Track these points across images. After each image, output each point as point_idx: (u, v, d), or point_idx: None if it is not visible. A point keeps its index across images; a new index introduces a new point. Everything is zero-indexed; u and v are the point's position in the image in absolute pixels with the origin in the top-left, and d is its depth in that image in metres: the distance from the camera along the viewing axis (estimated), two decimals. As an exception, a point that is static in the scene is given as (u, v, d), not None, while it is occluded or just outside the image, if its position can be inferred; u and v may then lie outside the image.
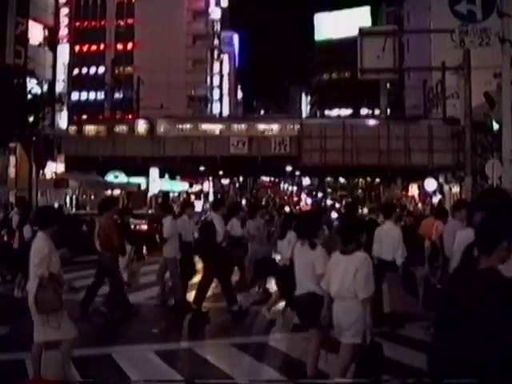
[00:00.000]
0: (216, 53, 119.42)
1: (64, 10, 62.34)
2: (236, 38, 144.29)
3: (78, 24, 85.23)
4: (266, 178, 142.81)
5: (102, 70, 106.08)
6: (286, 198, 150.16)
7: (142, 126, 61.82)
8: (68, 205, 51.79)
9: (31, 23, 54.85)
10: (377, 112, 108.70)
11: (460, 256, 5.79)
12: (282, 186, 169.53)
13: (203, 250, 15.86)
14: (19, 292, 16.83)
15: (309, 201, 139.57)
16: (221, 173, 78.58)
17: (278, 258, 17.53)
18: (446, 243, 12.49)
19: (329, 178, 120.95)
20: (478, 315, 4.22)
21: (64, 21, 62.16)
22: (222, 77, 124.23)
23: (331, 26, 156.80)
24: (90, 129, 62.68)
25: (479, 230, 4.68)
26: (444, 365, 4.45)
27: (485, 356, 4.13)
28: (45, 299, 8.54)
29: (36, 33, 56.46)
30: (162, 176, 65.91)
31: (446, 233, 12.90)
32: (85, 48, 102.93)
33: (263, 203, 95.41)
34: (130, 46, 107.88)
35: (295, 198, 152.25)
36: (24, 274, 15.06)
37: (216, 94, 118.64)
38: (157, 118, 62.29)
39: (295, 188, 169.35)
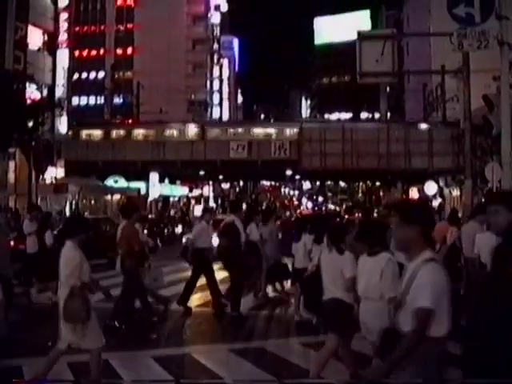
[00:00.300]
0: (216, 57, 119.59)
1: (63, 15, 62.45)
2: (236, 42, 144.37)
3: (77, 29, 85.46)
4: (266, 183, 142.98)
5: (101, 74, 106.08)
6: (286, 202, 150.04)
7: (192, 130, 62.12)
8: (68, 210, 51.73)
9: (30, 28, 54.88)
10: (377, 116, 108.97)
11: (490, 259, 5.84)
12: (283, 190, 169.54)
13: (227, 252, 15.82)
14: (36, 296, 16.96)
15: (309, 205, 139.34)
16: (221, 177, 78.62)
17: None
18: (465, 245, 13.33)
19: (329, 182, 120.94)
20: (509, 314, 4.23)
21: (63, 26, 62.27)
22: (221, 81, 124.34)
23: (331, 29, 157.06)
24: (138, 133, 62.76)
25: (509, 232, 4.68)
26: (476, 363, 4.47)
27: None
28: (73, 309, 8.64)
29: (35, 38, 56.48)
30: (161, 181, 65.91)
31: (464, 235, 13.64)
32: (84, 53, 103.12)
33: (263, 207, 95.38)
34: (129, 50, 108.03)
35: (296, 202, 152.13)
36: (47, 279, 15.12)
37: (216, 98, 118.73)
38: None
39: (296, 192, 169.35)
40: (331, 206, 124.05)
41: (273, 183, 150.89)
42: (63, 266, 8.93)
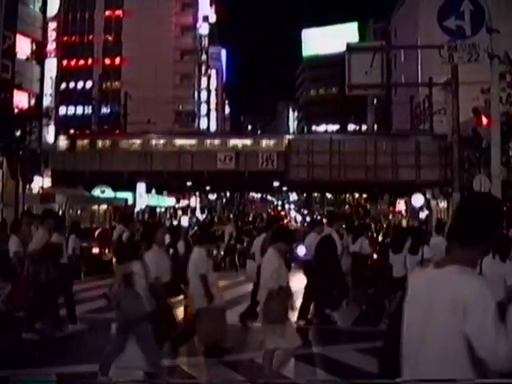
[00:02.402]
0: (204, 68, 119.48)
1: (52, 25, 62.12)
2: (224, 53, 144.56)
3: (65, 38, 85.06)
4: (257, 195, 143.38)
5: (89, 84, 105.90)
6: (271, 212, 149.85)
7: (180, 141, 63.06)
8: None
9: (19, 37, 54.62)
10: (364, 128, 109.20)
11: None
12: (275, 202, 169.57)
13: (325, 263, 16.16)
14: None
15: (299, 218, 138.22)
16: (208, 188, 78.52)
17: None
18: None
19: (316, 194, 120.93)
20: None
21: (52, 35, 61.93)
22: (209, 92, 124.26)
23: (319, 41, 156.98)
24: (125, 143, 62.84)
25: None
26: None
27: None
28: (272, 310, 9.58)
29: (24, 47, 56.23)
30: (148, 191, 65.72)
31: None
32: (72, 62, 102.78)
33: (250, 219, 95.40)
34: (117, 60, 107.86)
35: (282, 213, 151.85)
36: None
37: (203, 109, 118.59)
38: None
39: (286, 205, 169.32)
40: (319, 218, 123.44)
41: (263, 196, 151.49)
42: (264, 270, 9.97)
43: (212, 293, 11.79)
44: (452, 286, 3.69)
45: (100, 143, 63.16)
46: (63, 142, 62.78)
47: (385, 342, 4.63)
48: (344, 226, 21.35)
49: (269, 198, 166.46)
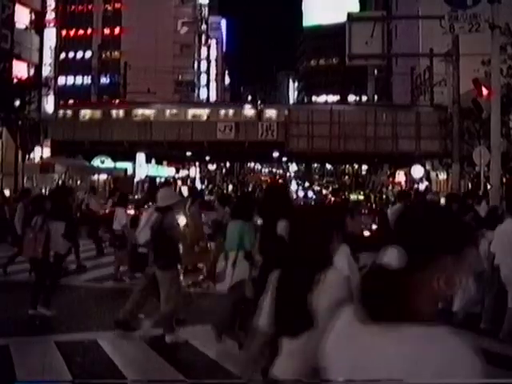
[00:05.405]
0: (204, 38, 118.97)
1: (51, -6, 61.88)
2: (224, 23, 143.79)
3: (65, 8, 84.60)
4: (264, 169, 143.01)
5: (88, 54, 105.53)
6: (265, 178, 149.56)
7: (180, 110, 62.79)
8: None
9: (18, 7, 54.33)
10: (364, 98, 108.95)
11: None
12: (274, 170, 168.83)
13: None
14: None
15: (300, 193, 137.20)
16: (207, 158, 78.46)
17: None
18: None
19: (316, 165, 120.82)
20: None
21: (51, 4, 61.58)
22: (209, 62, 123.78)
23: (319, 11, 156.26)
24: (125, 113, 62.78)
25: None
26: None
27: None
28: None
29: (23, 16, 55.96)
30: (148, 161, 65.68)
31: None
32: (72, 32, 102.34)
33: (250, 189, 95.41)
34: (117, 30, 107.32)
35: (280, 181, 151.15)
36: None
37: (203, 79, 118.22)
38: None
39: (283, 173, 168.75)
40: (317, 188, 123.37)
41: (271, 169, 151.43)
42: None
43: None
44: None
45: (100, 113, 62.99)
46: (63, 112, 62.65)
47: None
48: None
49: (273, 169, 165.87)
